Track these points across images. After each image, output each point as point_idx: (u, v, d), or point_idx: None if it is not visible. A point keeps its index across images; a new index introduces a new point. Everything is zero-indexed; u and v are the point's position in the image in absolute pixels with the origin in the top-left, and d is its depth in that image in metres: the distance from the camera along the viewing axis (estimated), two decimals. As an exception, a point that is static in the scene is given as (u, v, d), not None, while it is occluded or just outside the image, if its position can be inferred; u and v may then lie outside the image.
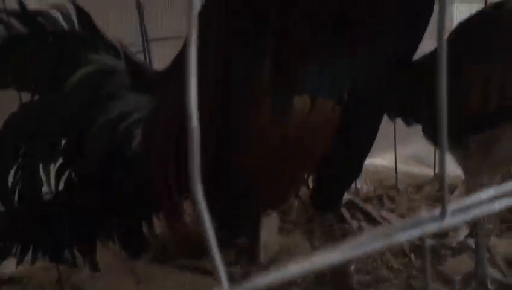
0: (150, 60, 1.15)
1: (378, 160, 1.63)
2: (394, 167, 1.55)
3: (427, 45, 1.19)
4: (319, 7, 0.73)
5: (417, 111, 1.01)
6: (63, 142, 0.83)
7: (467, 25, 0.96)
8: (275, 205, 0.87)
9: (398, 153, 1.54)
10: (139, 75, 0.85)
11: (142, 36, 1.13)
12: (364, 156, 0.86)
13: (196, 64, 0.23)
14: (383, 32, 0.74)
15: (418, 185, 1.54)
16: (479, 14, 0.95)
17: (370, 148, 0.86)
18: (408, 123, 1.11)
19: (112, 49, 0.84)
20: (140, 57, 1.14)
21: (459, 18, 1.44)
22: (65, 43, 0.81)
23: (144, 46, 1.13)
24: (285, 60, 0.75)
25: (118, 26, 1.18)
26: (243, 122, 0.77)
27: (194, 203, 0.25)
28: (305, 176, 0.87)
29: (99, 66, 0.82)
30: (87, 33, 0.83)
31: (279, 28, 0.75)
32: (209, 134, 0.79)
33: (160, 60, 1.18)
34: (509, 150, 0.92)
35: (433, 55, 1.00)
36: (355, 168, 0.89)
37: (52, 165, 0.85)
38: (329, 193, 0.92)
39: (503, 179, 1.02)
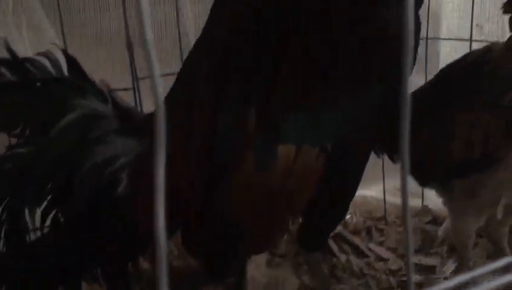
0: (139, 98, 1.16)
1: (367, 191, 1.64)
2: (383, 198, 1.56)
3: (417, 81, 1.21)
4: (303, 57, 0.74)
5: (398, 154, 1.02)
6: (50, 185, 0.84)
7: (449, 71, 0.98)
8: (261, 250, 0.88)
9: (387, 183, 1.55)
10: (127, 119, 0.85)
11: (132, 74, 1.14)
12: (350, 199, 0.87)
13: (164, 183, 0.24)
14: (366, 81, 0.75)
15: (407, 217, 1.55)
16: (463, 60, 0.96)
17: (355, 192, 0.87)
18: (393, 160, 1.13)
19: (99, 94, 0.85)
20: (130, 94, 1.16)
21: (444, 54, 1.47)
22: (53, 89, 0.82)
23: (133, 84, 1.14)
24: (269, 109, 0.76)
25: (108, 65, 1.19)
26: (229, 169, 0.78)
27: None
28: (292, 220, 0.87)
29: (86, 111, 0.83)
30: (75, 79, 0.84)
31: (264, 77, 0.76)
32: (197, 180, 0.80)
33: (151, 97, 1.19)
34: (494, 194, 0.92)
35: (416, 94, 1.02)
36: (341, 211, 0.90)
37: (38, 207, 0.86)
38: (316, 234, 0.92)
39: (488, 221, 1.03)
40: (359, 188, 0.89)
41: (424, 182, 1.03)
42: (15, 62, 0.80)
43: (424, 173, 1.00)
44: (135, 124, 0.86)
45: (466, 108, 0.92)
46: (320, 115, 0.75)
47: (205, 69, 0.81)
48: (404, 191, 0.30)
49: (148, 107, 1.18)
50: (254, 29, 0.76)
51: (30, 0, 1.19)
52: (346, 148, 0.78)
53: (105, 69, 1.20)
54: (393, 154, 1.11)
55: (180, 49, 1.15)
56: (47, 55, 0.82)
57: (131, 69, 1.14)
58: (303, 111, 0.75)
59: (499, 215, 0.94)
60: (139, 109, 1.18)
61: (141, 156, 0.83)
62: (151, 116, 0.89)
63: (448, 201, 1.00)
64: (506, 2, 0.91)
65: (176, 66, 1.00)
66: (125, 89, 1.16)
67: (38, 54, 0.82)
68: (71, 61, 0.84)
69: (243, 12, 0.78)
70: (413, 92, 1.02)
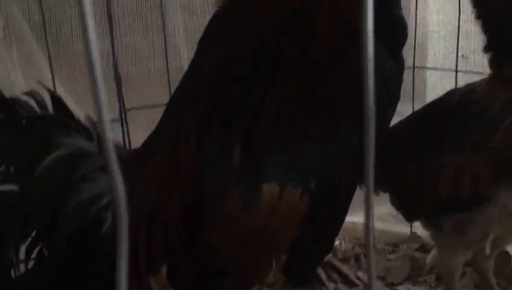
0: (127, 129, 1.15)
1: (356, 217, 1.63)
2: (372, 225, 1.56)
3: (404, 108, 1.22)
4: (286, 99, 0.74)
5: (384, 182, 1.02)
6: (35, 223, 0.83)
7: (436, 108, 0.97)
8: (246, 287, 0.87)
9: (376, 210, 1.54)
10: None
11: (120, 106, 1.13)
12: (334, 236, 0.87)
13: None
14: (349, 123, 0.75)
15: (395, 244, 1.55)
16: (448, 99, 0.95)
17: (339, 229, 0.87)
18: (376, 192, 1.12)
19: (85, 131, 0.85)
20: (118, 125, 1.16)
21: (431, 83, 1.48)
22: (38, 128, 0.82)
23: (121, 115, 1.14)
24: (254, 148, 0.75)
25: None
26: (214, 208, 0.78)
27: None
28: (276, 259, 0.87)
29: (71, 149, 0.82)
30: (60, 117, 0.83)
31: (249, 118, 0.76)
32: (182, 216, 0.80)
33: (138, 127, 1.19)
34: (483, 231, 0.92)
35: (402, 127, 1.02)
36: (325, 248, 0.90)
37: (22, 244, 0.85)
38: (301, 270, 0.92)
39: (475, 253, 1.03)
40: (348, 214, 0.88)
41: (410, 218, 1.03)
42: (0, 101, 0.79)
43: (411, 209, 1.00)
44: (120, 161, 0.85)
45: (454, 148, 0.91)
46: (303, 155, 0.75)
47: (192, 105, 0.81)
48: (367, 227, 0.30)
49: (135, 137, 1.18)
50: (238, 70, 0.76)
51: (21, 26, 1.19)
52: (330, 187, 0.78)
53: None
54: (375, 186, 1.10)
55: (168, 80, 1.15)
56: (32, 94, 0.82)
57: (118, 101, 1.13)
58: (286, 151, 0.75)
59: (487, 251, 0.93)
60: (126, 139, 1.18)
61: (126, 193, 0.83)
62: (136, 153, 0.89)
63: (436, 236, 1.00)
64: (487, 43, 0.92)
65: (164, 98, 1.01)
66: (113, 120, 1.16)
67: (24, 93, 0.82)
68: (56, 100, 0.84)
69: (227, 53, 0.78)
70: (399, 125, 1.02)
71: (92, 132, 0.85)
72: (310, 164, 0.76)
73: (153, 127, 0.88)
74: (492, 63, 0.91)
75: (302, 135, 0.75)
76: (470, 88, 0.92)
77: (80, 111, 1.20)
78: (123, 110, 1.15)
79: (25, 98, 0.82)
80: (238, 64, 0.77)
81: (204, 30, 0.88)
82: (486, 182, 0.87)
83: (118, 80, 1.12)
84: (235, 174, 0.76)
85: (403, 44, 0.84)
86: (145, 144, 0.87)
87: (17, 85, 1.18)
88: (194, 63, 0.87)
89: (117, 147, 0.89)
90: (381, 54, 0.77)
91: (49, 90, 0.84)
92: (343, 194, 0.82)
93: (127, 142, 1.15)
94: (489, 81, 0.90)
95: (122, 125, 1.15)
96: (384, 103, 0.80)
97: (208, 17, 0.86)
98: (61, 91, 1.19)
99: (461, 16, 1.27)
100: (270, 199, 0.76)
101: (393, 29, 0.80)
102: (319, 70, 0.73)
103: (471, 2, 0.96)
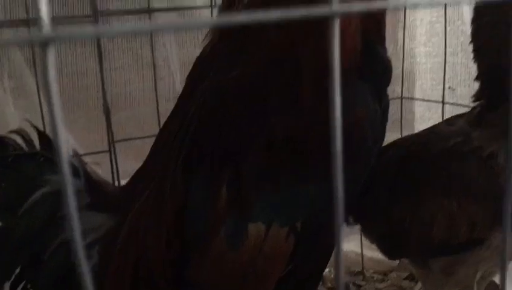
0: (116, 161, 1.15)
1: (345, 245, 1.63)
2: (361, 252, 1.56)
3: (393, 138, 1.22)
4: (272, 142, 0.74)
5: (368, 221, 1.02)
6: (19, 261, 0.82)
7: (427, 147, 0.95)
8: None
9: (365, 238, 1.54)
10: (98, 193, 0.85)
11: (108, 138, 1.14)
12: (322, 271, 0.86)
13: None
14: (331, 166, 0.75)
15: (384, 272, 1.54)
16: (441, 141, 0.93)
17: (325, 267, 0.87)
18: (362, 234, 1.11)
19: (71, 168, 0.85)
20: (106, 157, 1.16)
21: (419, 113, 1.49)
22: (24, 165, 0.82)
23: (109, 147, 1.14)
24: (240, 188, 0.76)
25: (85, 127, 1.20)
26: (200, 247, 0.77)
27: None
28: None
29: (57, 187, 0.82)
30: (47, 155, 0.83)
31: (235, 158, 0.76)
32: (168, 255, 0.79)
33: (127, 157, 1.19)
34: (472, 270, 0.91)
35: (384, 165, 1.00)
36: (314, 281, 0.89)
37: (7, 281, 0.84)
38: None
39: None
40: None
41: (394, 257, 1.02)
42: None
43: (396, 250, 0.99)
44: (106, 198, 0.85)
45: (448, 194, 0.89)
46: (289, 195, 0.75)
47: (178, 143, 0.81)
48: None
49: (124, 168, 1.18)
50: (225, 111, 0.77)
51: (13, 52, 1.19)
52: (316, 227, 0.78)
53: (83, 131, 1.20)
54: (364, 232, 1.10)
55: (158, 113, 1.16)
56: (20, 132, 0.83)
57: (107, 133, 1.14)
58: (273, 191, 0.75)
59: (475, 289, 0.93)
60: (115, 170, 1.18)
61: (111, 232, 0.83)
62: (123, 190, 0.89)
63: (424, 276, 0.98)
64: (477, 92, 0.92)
65: (154, 130, 1.01)
66: (101, 152, 1.16)
67: (12, 131, 0.82)
68: (44, 138, 0.84)
69: (215, 92, 0.79)
70: (385, 161, 0.99)
71: (79, 170, 0.85)
72: (296, 204, 0.76)
73: (141, 158, 0.89)
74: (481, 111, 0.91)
75: (288, 176, 0.75)
76: (465, 135, 0.90)
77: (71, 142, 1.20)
78: (112, 142, 1.15)
79: (12, 136, 0.82)
80: (225, 105, 0.78)
81: (193, 65, 0.89)
82: (484, 228, 0.86)
83: (107, 113, 1.13)
84: (222, 213, 0.76)
85: (387, 85, 0.84)
86: (132, 181, 0.87)
87: (9, 116, 1.18)
88: (182, 100, 0.88)
89: (104, 184, 0.89)
90: (368, 97, 0.78)
91: (36, 128, 0.84)
92: (329, 232, 0.81)
93: (115, 174, 1.14)
94: (475, 124, 0.90)
95: (110, 157, 1.15)
96: (369, 143, 0.80)
97: (199, 50, 0.87)
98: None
99: (448, 49, 1.28)
100: (256, 238, 0.75)
101: (379, 72, 0.81)
102: (304, 114, 0.73)
103: (471, 35, 0.94)
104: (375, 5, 0.26)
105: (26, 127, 0.84)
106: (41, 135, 0.83)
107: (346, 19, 0.74)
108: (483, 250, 0.88)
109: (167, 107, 1.01)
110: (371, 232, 1.03)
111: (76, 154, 0.88)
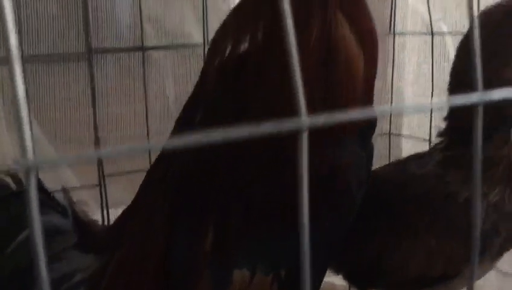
0: (105, 194, 1.16)
1: (335, 278, 1.63)
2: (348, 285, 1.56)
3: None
4: (255, 192, 0.76)
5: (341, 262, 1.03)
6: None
7: (406, 189, 0.97)
8: None
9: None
10: (86, 234, 0.85)
11: (99, 171, 1.15)
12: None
13: None
14: (318, 217, 0.76)
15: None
16: (424, 184, 0.95)
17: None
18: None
19: (59, 207, 0.86)
20: (96, 190, 1.16)
21: (406, 149, 1.51)
22: (12, 205, 0.82)
23: (99, 180, 1.15)
24: (226, 235, 0.77)
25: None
26: None
27: None
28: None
29: (45, 227, 0.82)
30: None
31: (220, 206, 0.77)
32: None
33: (117, 190, 1.20)
34: None
35: (371, 198, 1.02)
36: None
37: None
38: None
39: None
40: (327, 275, 0.89)
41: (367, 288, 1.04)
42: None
43: (370, 284, 1.00)
44: (94, 239, 0.86)
45: (427, 233, 0.92)
46: (274, 244, 0.76)
47: (164, 188, 0.82)
48: None
49: (113, 202, 1.19)
50: (210, 164, 0.78)
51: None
52: (299, 274, 0.78)
53: (73, 166, 1.21)
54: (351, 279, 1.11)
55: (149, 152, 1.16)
56: (9, 172, 0.83)
57: (97, 166, 1.15)
58: (258, 239, 0.76)
59: None
60: (104, 203, 1.19)
61: (97, 273, 0.83)
62: (110, 230, 0.90)
63: None
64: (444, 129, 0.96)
65: (145, 164, 1.02)
66: (92, 186, 1.17)
67: (1, 172, 0.83)
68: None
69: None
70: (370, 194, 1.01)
71: (68, 209, 0.86)
72: (281, 252, 0.76)
73: (132, 187, 0.89)
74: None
75: (271, 227, 0.76)
76: (430, 175, 0.93)
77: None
78: (102, 175, 1.16)
79: (1, 175, 0.82)
80: (210, 159, 0.79)
81: (182, 110, 0.90)
82: (459, 263, 0.89)
83: (97, 145, 1.14)
84: (207, 258, 0.77)
85: (373, 134, 0.86)
86: (118, 221, 0.88)
87: (5, 149, 1.18)
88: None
89: (92, 224, 0.90)
90: (355, 147, 0.79)
91: (25, 168, 0.85)
92: (313, 278, 0.82)
93: (104, 208, 1.15)
94: (447, 166, 0.92)
95: (100, 190, 1.16)
96: (354, 190, 0.82)
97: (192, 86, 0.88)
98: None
99: (434, 90, 1.30)
100: (241, 284, 0.76)
101: (365, 122, 0.82)
102: (283, 171, 0.75)
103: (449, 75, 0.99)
104: (348, 116, 0.28)
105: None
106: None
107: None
108: (457, 281, 0.91)
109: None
110: (340, 268, 1.04)
111: (64, 191, 0.89)
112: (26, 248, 0.81)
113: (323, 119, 0.27)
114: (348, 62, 0.79)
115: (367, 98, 0.84)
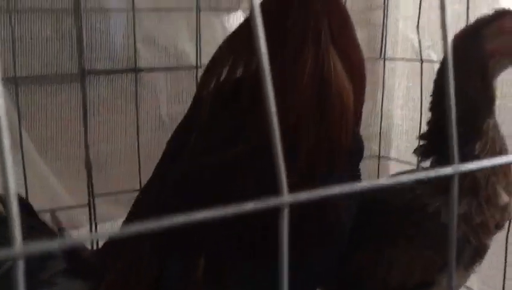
0: (94, 214, 1.16)
1: None
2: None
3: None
4: (245, 228, 0.76)
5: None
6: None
7: (389, 204, 0.99)
8: None
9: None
10: (74, 259, 0.85)
11: (89, 192, 1.15)
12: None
13: None
14: (313, 254, 0.78)
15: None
16: (408, 201, 0.98)
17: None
18: None
19: (49, 233, 0.86)
20: (86, 211, 1.16)
21: (394, 172, 1.52)
22: (2, 230, 0.82)
23: (89, 201, 1.15)
24: (217, 263, 0.77)
25: (67, 179, 1.20)
26: None
27: None
28: None
29: (33, 251, 0.82)
30: (26, 219, 0.84)
31: (212, 235, 0.77)
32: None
33: (106, 212, 1.20)
34: None
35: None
36: None
37: None
38: None
39: None
40: None
41: None
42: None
43: None
44: (82, 264, 0.85)
45: (407, 243, 0.96)
46: (262, 274, 0.76)
47: (155, 214, 0.82)
48: None
49: (102, 221, 1.19)
50: (200, 192, 0.79)
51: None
52: None
53: (64, 183, 1.21)
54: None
55: (139, 169, 1.17)
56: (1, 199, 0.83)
57: (88, 187, 1.15)
58: (248, 268, 0.77)
59: None
60: (93, 223, 1.18)
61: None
62: (99, 254, 0.90)
63: None
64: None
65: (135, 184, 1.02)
66: (81, 206, 1.17)
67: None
68: (23, 203, 0.84)
69: (189, 173, 0.81)
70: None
71: (57, 234, 0.86)
72: (270, 280, 0.77)
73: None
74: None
75: (263, 257, 0.77)
76: (406, 189, 0.96)
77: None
78: (91, 195, 1.16)
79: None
80: (201, 186, 0.80)
81: (174, 132, 0.90)
82: (435, 272, 0.93)
83: (88, 167, 1.14)
84: (199, 286, 0.77)
85: (360, 161, 0.87)
86: (107, 246, 0.88)
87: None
88: (160, 166, 0.89)
89: (81, 249, 0.90)
90: (344, 177, 0.80)
91: (18, 195, 0.85)
92: None
93: (93, 228, 1.15)
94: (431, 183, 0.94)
95: (89, 210, 1.16)
96: (345, 219, 0.83)
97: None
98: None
99: (423, 116, 1.31)
100: None
101: (353, 151, 0.84)
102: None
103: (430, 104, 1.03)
104: (330, 192, 0.29)
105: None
106: (22, 200, 0.84)
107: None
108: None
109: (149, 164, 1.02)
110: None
111: (53, 216, 0.89)
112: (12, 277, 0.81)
113: (305, 196, 0.27)
114: (340, 95, 0.80)
115: (355, 126, 0.86)
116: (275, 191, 0.28)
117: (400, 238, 0.96)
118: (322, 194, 0.27)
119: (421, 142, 1.02)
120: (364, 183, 0.30)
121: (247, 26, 0.84)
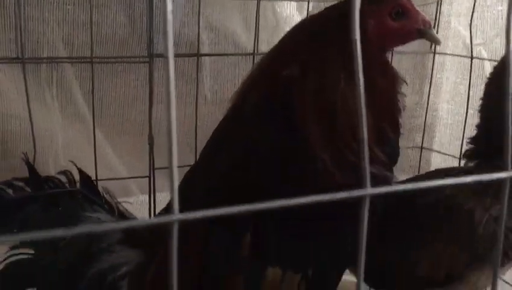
0: (154, 186, 1.14)
1: (346, 276, 1.59)
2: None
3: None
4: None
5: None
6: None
7: (420, 205, 0.94)
8: None
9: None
10: (130, 230, 0.83)
11: (150, 164, 1.13)
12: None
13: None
14: (345, 226, 0.73)
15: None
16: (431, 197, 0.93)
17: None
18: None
19: (107, 205, 0.84)
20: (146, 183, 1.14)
21: (435, 163, 1.42)
22: (65, 202, 0.82)
23: (150, 173, 1.13)
24: (263, 236, 0.74)
25: (129, 152, 1.19)
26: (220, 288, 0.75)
27: None
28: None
29: (94, 223, 0.81)
30: (86, 193, 0.83)
31: (257, 218, 0.73)
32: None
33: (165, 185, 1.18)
34: None
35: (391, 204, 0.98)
36: None
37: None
38: None
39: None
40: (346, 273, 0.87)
41: (378, 287, 1.02)
42: (35, 180, 0.79)
43: (381, 282, 0.98)
44: (138, 234, 0.84)
45: (435, 240, 0.92)
46: (305, 246, 0.74)
47: (204, 194, 0.79)
48: None
49: (161, 193, 1.17)
50: (254, 170, 0.75)
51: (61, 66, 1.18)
52: (324, 276, 0.77)
53: (127, 156, 1.20)
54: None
55: (196, 143, 1.13)
56: (65, 173, 0.83)
57: (149, 160, 1.13)
58: (289, 242, 0.74)
59: None
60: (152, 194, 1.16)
61: (140, 265, 0.81)
62: (154, 226, 0.87)
63: None
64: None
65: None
66: (142, 177, 1.15)
67: (58, 173, 0.83)
68: (85, 178, 0.84)
69: (245, 151, 0.76)
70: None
71: (114, 207, 0.85)
72: (311, 254, 0.75)
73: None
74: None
75: (305, 231, 0.74)
76: (452, 191, 0.91)
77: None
78: (152, 168, 1.13)
79: (57, 176, 0.82)
80: (255, 163, 0.75)
81: (219, 125, 0.85)
82: (461, 268, 0.90)
83: (151, 142, 1.12)
84: (244, 262, 0.74)
85: (394, 165, 0.82)
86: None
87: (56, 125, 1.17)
88: (207, 153, 0.84)
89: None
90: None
91: (79, 169, 0.84)
92: (335, 280, 0.80)
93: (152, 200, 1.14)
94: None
95: (149, 182, 1.14)
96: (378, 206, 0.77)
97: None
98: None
99: (469, 111, 1.22)
100: (273, 281, 0.74)
101: (388, 154, 0.79)
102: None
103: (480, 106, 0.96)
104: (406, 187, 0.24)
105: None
106: (83, 175, 0.83)
107: None
108: (462, 286, 0.92)
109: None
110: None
111: (110, 193, 0.87)
112: (75, 245, 0.80)
113: (384, 189, 0.25)
114: None
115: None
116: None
117: (428, 234, 0.93)
118: (399, 189, 0.30)
119: (469, 146, 0.96)
120: (431, 182, 0.30)
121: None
